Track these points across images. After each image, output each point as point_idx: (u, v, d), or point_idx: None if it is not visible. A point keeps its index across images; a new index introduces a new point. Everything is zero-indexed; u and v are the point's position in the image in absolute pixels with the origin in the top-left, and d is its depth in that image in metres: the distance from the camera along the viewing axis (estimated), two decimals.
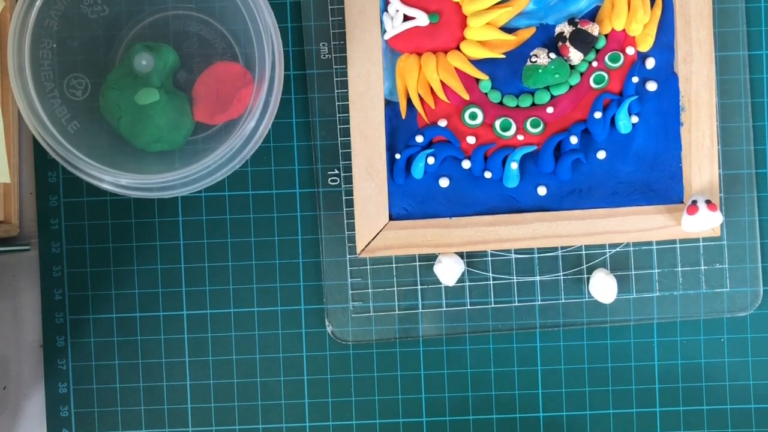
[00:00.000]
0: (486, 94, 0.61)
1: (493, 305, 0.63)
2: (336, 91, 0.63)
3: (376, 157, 0.61)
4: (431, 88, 0.61)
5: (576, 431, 0.64)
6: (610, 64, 0.61)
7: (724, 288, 0.63)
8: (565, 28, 0.60)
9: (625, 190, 0.61)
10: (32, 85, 0.54)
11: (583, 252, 0.63)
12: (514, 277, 0.63)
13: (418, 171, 0.61)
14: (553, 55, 0.60)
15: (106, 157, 0.56)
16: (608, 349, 0.64)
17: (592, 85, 0.61)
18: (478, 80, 0.61)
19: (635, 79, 0.61)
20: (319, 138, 0.63)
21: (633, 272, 0.63)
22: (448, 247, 0.61)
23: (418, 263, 0.63)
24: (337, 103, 0.63)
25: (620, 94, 0.61)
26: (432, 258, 0.63)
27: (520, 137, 0.61)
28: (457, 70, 0.61)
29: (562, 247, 0.63)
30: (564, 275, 0.63)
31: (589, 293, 0.63)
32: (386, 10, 0.61)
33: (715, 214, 0.59)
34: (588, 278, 0.63)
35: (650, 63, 0.61)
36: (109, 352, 0.64)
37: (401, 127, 0.62)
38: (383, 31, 0.61)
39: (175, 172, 0.54)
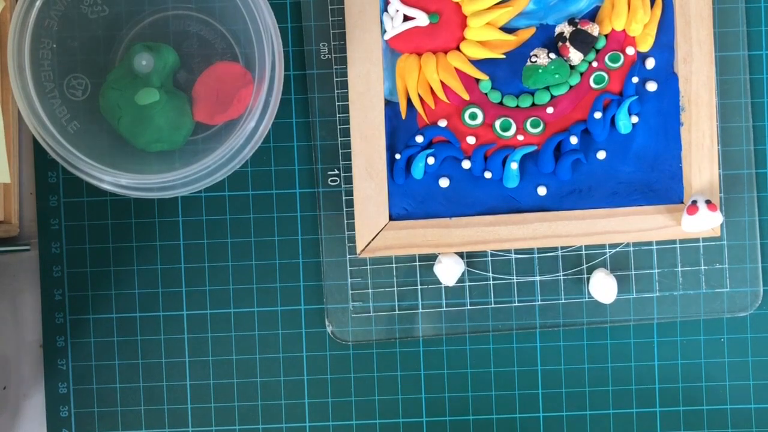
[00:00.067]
0: (486, 94, 0.61)
1: (493, 305, 0.63)
2: (336, 91, 0.63)
3: (376, 157, 0.61)
4: (431, 88, 0.61)
5: (576, 431, 0.64)
6: (610, 64, 0.61)
7: (724, 288, 0.63)
8: (565, 28, 0.60)
9: (625, 190, 0.61)
10: (32, 85, 0.54)
11: (583, 252, 0.63)
12: (514, 277, 0.63)
13: (418, 171, 0.61)
14: (553, 55, 0.60)
15: (106, 157, 0.56)
16: (608, 349, 0.64)
17: (592, 85, 0.61)
18: (478, 80, 0.61)
19: (635, 79, 0.61)
20: (319, 138, 0.63)
21: (633, 272, 0.63)
22: (448, 247, 0.61)
23: (418, 263, 0.63)
24: (337, 103, 0.63)
25: (620, 94, 0.61)
26: (432, 258, 0.63)
27: (520, 137, 0.61)
28: (457, 70, 0.61)
29: (562, 247, 0.63)
30: (564, 275, 0.63)
31: (589, 293, 0.63)
32: (386, 10, 0.61)
33: (715, 214, 0.59)
34: (588, 278, 0.63)
35: (650, 63, 0.61)
36: (109, 352, 0.64)
37: (401, 127, 0.62)
38: (383, 31, 0.61)
39: (175, 172, 0.54)
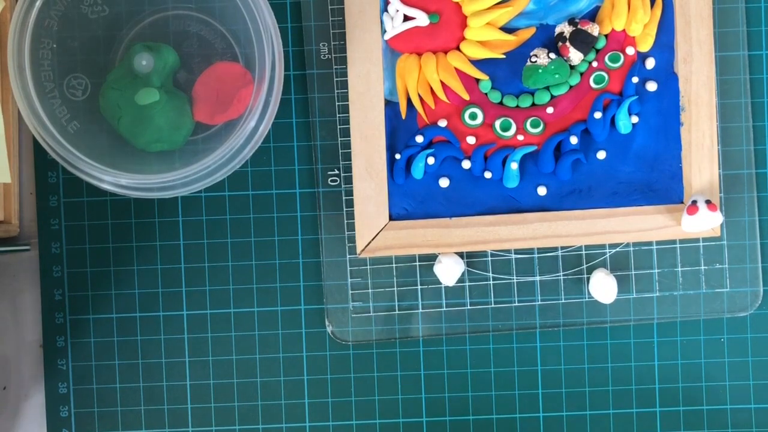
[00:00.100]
0: (486, 94, 0.61)
1: (493, 305, 0.63)
2: (336, 91, 0.63)
3: (376, 157, 0.61)
4: (431, 88, 0.61)
5: (576, 431, 0.64)
6: (610, 64, 0.61)
7: (724, 288, 0.63)
8: (565, 28, 0.60)
9: (625, 190, 0.61)
10: (32, 85, 0.54)
11: (583, 252, 0.63)
12: (514, 277, 0.63)
13: (418, 171, 0.61)
14: (553, 55, 0.60)
15: (106, 157, 0.56)
16: (608, 349, 0.64)
17: (592, 85, 0.61)
18: (478, 80, 0.61)
19: (635, 79, 0.61)
20: (319, 138, 0.63)
21: (633, 272, 0.63)
22: (448, 247, 0.61)
23: (418, 263, 0.63)
24: (337, 103, 0.63)
25: (620, 94, 0.61)
26: (432, 258, 0.63)
27: (520, 137, 0.61)
28: (457, 70, 0.61)
29: (562, 247, 0.63)
30: (564, 275, 0.63)
31: (589, 293, 0.63)
32: (386, 10, 0.61)
33: (715, 214, 0.59)
34: (588, 278, 0.63)
35: (650, 63, 0.61)
36: (109, 352, 0.64)
37: (401, 127, 0.62)
38: (383, 31, 0.61)
39: (175, 172, 0.54)
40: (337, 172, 0.63)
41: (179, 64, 0.60)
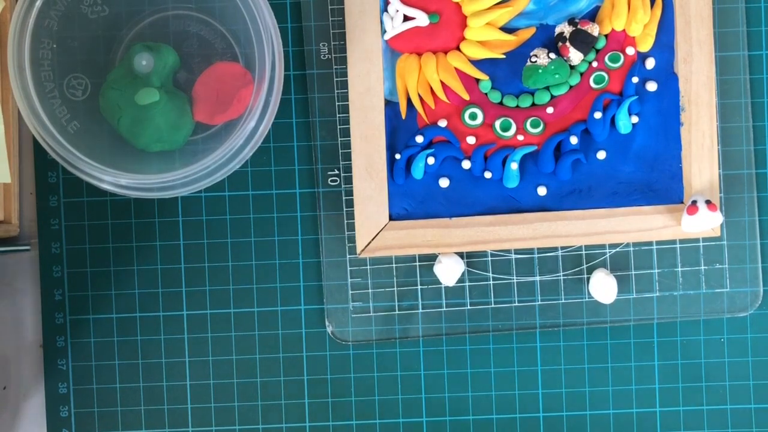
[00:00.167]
0: (486, 94, 0.61)
1: (493, 305, 0.63)
2: (336, 91, 0.63)
3: (376, 157, 0.61)
4: (431, 88, 0.61)
5: (576, 431, 0.64)
6: (610, 64, 0.61)
7: (724, 288, 0.63)
8: (565, 29, 0.60)
9: (625, 190, 0.61)
10: (32, 85, 0.54)
11: (583, 252, 0.63)
12: (514, 277, 0.63)
13: (418, 171, 0.61)
14: (553, 55, 0.60)
15: (106, 157, 0.56)
16: (608, 349, 0.64)
17: (592, 85, 0.61)
18: (478, 80, 0.61)
19: (635, 79, 0.61)
20: (319, 138, 0.63)
21: (633, 272, 0.63)
22: (448, 247, 0.61)
23: (418, 263, 0.63)
24: (337, 103, 0.63)
25: (620, 94, 0.61)
26: (432, 258, 0.63)
27: (520, 137, 0.61)
28: (457, 70, 0.61)
29: (562, 247, 0.63)
30: (564, 275, 0.63)
31: (589, 293, 0.63)
32: (386, 10, 0.61)
33: (715, 214, 0.59)
34: (588, 278, 0.63)
35: (650, 63, 0.61)
36: (109, 352, 0.64)
37: (401, 127, 0.62)
38: (383, 31, 0.61)
39: (175, 172, 0.54)
40: (337, 172, 0.63)
41: (179, 64, 0.60)
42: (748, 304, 0.63)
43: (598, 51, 0.61)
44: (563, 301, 0.63)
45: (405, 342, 0.64)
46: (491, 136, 0.61)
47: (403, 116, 0.62)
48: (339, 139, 0.63)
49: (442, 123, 0.61)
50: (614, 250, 0.63)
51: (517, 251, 0.63)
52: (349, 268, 0.63)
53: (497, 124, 0.61)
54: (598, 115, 0.61)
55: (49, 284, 0.64)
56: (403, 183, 0.62)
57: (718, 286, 0.63)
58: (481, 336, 0.64)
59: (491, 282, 0.63)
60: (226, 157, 0.55)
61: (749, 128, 0.63)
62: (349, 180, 0.63)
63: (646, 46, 0.61)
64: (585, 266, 0.63)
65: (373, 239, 0.61)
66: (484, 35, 0.61)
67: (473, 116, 0.61)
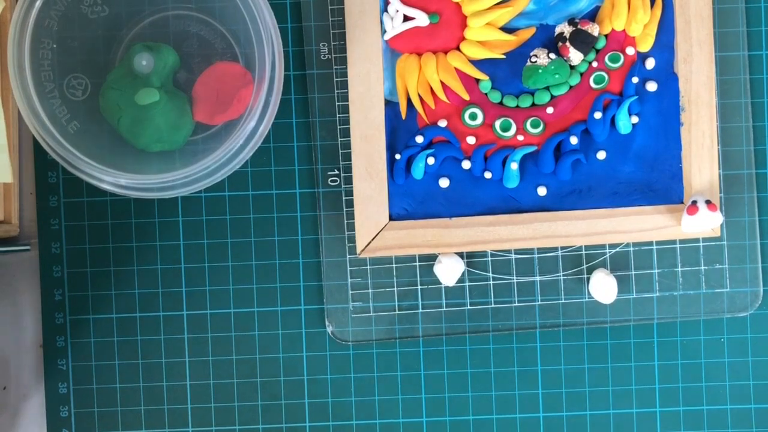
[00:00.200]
0: (486, 94, 0.61)
1: (493, 305, 0.63)
2: (336, 91, 0.63)
3: (376, 157, 0.61)
4: (431, 89, 0.61)
5: (576, 431, 0.64)
6: (610, 64, 0.61)
7: (724, 288, 0.63)
8: (565, 29, 0.60)
9: (625, 191, 0.61)
10: (32, 85, 0.54)
11: (583, 252, 0.63)
12: (514, 277, 0.63)
13: (418, 171, 0.61)
14: (553, 56, 0.60)
15: (106, 157, 0.56)
16: (608, 349, 0.64)
17: (592, 85, 0.61)
18: (478, 80, 0.61)
19: (635, 80, 0.61)
20: (319, 138, 0.63)
21: (633, 272, 0.63)
22: (448, 247, 0.61)
23: (418, 263, 0.63)
24: (337, 103, 0.63)
25: (620, 95, 0.61)
26: (432, 258, 0.63)
27: (520, 137, 0.61)
28: (457, 70, 0.61)
29: (562, 247, 0.63)
30: (564, 275, 0.63)
31: (589, 293, 0.63)
32: (386, 10, 0.61)
33: (715, 214, 0.59)
34: (588, 278, 0.63)
35: (650, 63, 0.61)
36: (109, 352, 0.64)
37: (401, 127, 0.62)
38: (383, 31, 0.61)
39: (175, 172, 0.54)
40: (337, 172, 0.63)
41: (179, 64, 0.60)
42: (748, 304, 0.63)
43: (598, 51, 0.61)
44: (563, 301, 0.63)
45: (405, 342, 0.64)
46: (491, 136, 0.61)
47: (403, 116, 0.62)
48: (339, 139, 0.63)
49: (442, 123, 0.61)
50: (614, 250, 0.63)
51: (517, 251, 0.63)
52: (349, 268, 0.63)
53: (497, 124, 0.61)
54: (598, 115, 0.61)
55: (49, 284, 0.64)
56: (403, 183, 0.62)
57: (718, 286, 0.63)
58: (481, 336, 0.64)
59: (491, 282, 0.63)
60: (226, 157, 0.55)
61: (749, 128, 0.63)
62: (349, 180, 0.63)
63: (646, 46, 0.61)
64: (585, 266, 0.63)
65: (373, 239, 0.61)
66: (484, 35, 0.61)
67: (473, 116, 0.61)
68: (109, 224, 0.64)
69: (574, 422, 0.64)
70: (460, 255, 0.63)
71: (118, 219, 0.63)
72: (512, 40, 0.61)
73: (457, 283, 0.63)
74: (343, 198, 0.63)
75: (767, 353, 0.64)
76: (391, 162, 0.62)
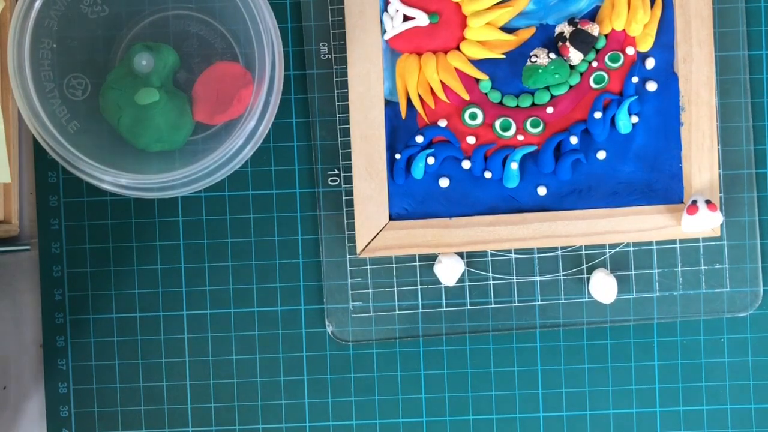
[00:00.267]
0: (486, 94, 0.61)
1: (493, 305, 0.63)
2: (336, 91, 0.63)
3: (376, 157, 0.61)
4: (431, 88, 0.61)
5: (576, 431, 0.64)
6: (610, 64, 0.61)
7: (724, 288, 0.63)
8: (565, 28, 0.60)
9: (625, 190, 0.61)
10: (32, 85, 0.54)
11: (583, 252, 0.63)
12: (514, 277, 0.63)
13: (418, 171, 0.61)
14: (553, 55, 0.60)
15: (106, 157, 0.56)
16: (608, 349, 0.64)
17: (592, 85, 0.61)
18: (478, 80, 0.61)
19: (635, 79, 0.61)
20: (319, 138, 0.63)
21: (633, 272, 0.63)
22: (448, 247, 0.61)
23: (418, 263, 0.63)
24: (337, 103, 0.63)
25: (620, 94, 0.61)
26: (432, 258, 0.63)
27: (520, 137, 0.61)
28: (457, 70, 0.61)
29: (562, 247, 0.63)
30: (564, 275, 0.63)
31: (589, 293, 0.63)
32: (386, 10, 0.61)
33: (715, 214, 0.59)
34: (588, 278, 0.63)
35: (650, 63, 0.61)
36: (109, 352, 0.64)
37: (401, 127, 0.62)
38: (383, 31, 0.61)
39: (175, 172, 0.54)
40: (337, 172, 0.63)
41: (179, 64, 0.60)
42: (748, 304, 0.63)
43: (598, 51, 0.61)
44: (563, 301, 0.63)
45: (405, 342, 0.64)
46: (491, 136, 0.61)
47: (403, 116, 0.62)
48: (339, 139, 0.63)
49: (442, 123, 0.61)
50: (614, 250, 0.63)
51: (517, 251, 0.63)
52: (349, 268, 0.63)
53: (497, 124, 0.61)
54: (598, 115, 0.61)
55: (49, 284, 0.64)
56: (403, 183, 0.62)
57: (718, 286, 0.63)
58: (481, 336, 0.64)
59: (491, 282, 0.63)
60: (226, 157, 0.55)
61: (749, 128, 0.63)
62: (349, 180, 0.63)
63: (646, 46, 0.61)
64: (585, 266, 0.63)
65: (373, 239, 0.61)
66: (484, 35, 0.61)
67: (473, 116, 0.61)
68: (109, 224, 0.64)
69: (574, 422, 0.64)
70: (460, 255, 0.63)
71: (118, 219, 0.63)
72: (512, 40, 0.61)
73: (457, 283, 0.63)
74: (343, 198, 0.63)
75: (767, 353, 0.64)
76: (391, 162, 0.62)
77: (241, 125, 0.55)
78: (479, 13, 0.60)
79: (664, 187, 0.61)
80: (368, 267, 0.63)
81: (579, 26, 0.60)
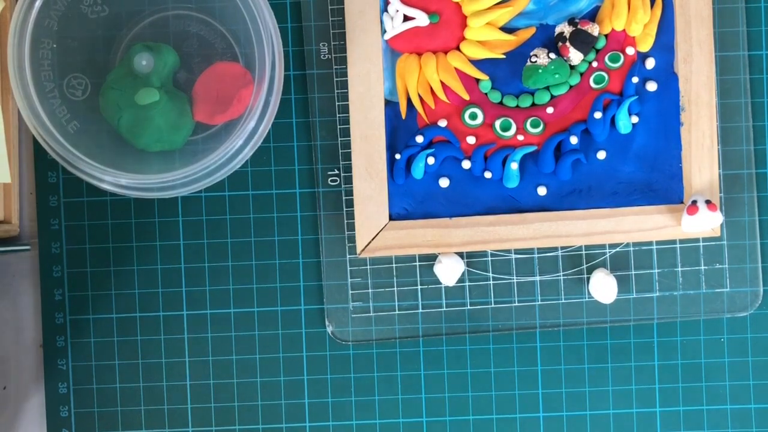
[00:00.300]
0: (486, 94, 0.61)
1: (493, 305, 0.63)
2: (336, 91, 0.63)
3: (376, 157, 0.61)
4: (431, 88, 0.61)
5: (576, 431, 0.64)
6: (610, 64, 0.61)
7: (724, 288, 0.63)
8: (565, 28, 0.60)
9: (625, 190, 0.61)
10: (32, 85, 0.54)
11: (583, 252, 0.63)
12: (514, 277, 0.63)
13: (418, 171, 0.61)
14: (553, 55, 0.60)
15: (106, 157, 0.56)
16: (608, 349, 0.64)
17: (592, 85, 0.61)
18: (478, 80, 0.61)
19: (635, 79, 0.61)
20: (319, 138, 0.63)
21: (633, 272, 0.63)
22: (448, 247, 0.61)
23: (418, 263, 0.63)
24: (337, 103, 0.63)
25: (620, 94, 0.61)
26: (432, 258, 0.63)
27: (520, 137, 0.61)
28: (457, 70, 0.61)
29: (562, 247, 0.63)
30: (564, 275, 0.63)
31: (589, 293, 0.63)
32: (386, 10, 0.61)
33: (715, 214, 0.59)
34: (588, 278, 0.63)
35: (650, 63, 0.61)
36: (109, 352, 0.64)
37: (401, 127, 0.62)
38: (383, 31, 0.61)
39: (175, 172, 0.54)
40: (337, 172, 0.63)
41: (179, 64, 0.60)
42: (748, 304, 0.63)
43: (598, 51, 0.61)
44: (563, 301, 0.63)
45: (405, 342, 0.64)
46: (491, 136, 0.61)
47: (403, 116, 0.62)
48: (339, 139, 0.63)
49: (442, 123, 0.61)
50: (614, 250, 0.63)
51: (517, 251, 0.63)
52: (349, 268, 0.63)
53: (497, 124, 0.61)
54: (598, 115, 0.61)
55: (49, 284, 0.64)
56: (403, 183, 0.62)
57: (718, 286, 0.63)
58: (481, 336, 0.64)
59: (491, 282, 0.63)
60: (226, 157, 0.55)
61: (749, 128, 0.63)
62: (349, 180, 0.63)
63: (646, 46, 0.61)
64: (585, 266, 0.63)
65: (373, 239, 0.61)
66: (484, 35, 0.61)
67: (473, 116, 0.61)
68: (109, 224, 0.64)
69: (574, 422, 0.64)
70: (460, 255, 0.63)
71: (118, 219, 0.63)
72: (512, 40, 0.61)
73: (457, 283, 0.63)
74: (343, 198, 0.63)
75: (767, 353, 0.64)
76: (391, 162, 0.62)
77: (241, 125, 0.55)
78: (479, 13, 0.60)
79: (664, 187, 0.61)
80: (368, 267, 0.63)
81: (579, 26, 0.60)
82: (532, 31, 0.61)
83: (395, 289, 0.63)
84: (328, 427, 0.64)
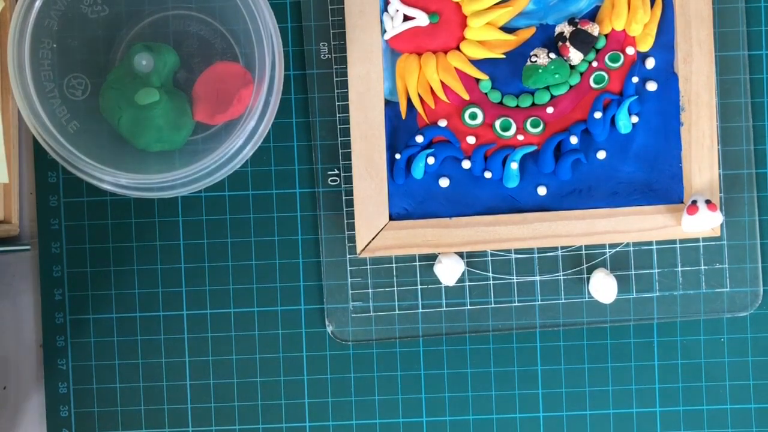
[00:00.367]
0: (486, 94, 0.61)
1: (493, 305, 0.63)
2: (336, 91, 0.63)
3: (376, 157, 0.61)
4: (431, 88, 0.61)
5: (576, 431, 0.64)
6: (610, 64, 0.61)
7: (724, 288, 0.63)
8: (565, 28, 0.60)
9: (625, 190, 0.61)
10: (32, 85, 0.54)
11: (583, 252, 0.63)
12: (514, 277, 0.63)
13: (418, 171, 0.61)
14: (553, 55, 0.60)
15: (106, 157, 0.56)
16: (608, 349, 0.64)
17: (592, 85, 0.61)
18: (478, 80, 0.61)
19: (635, 79, 0.61)
20: (319, 138, 0.63)
21: (633, 272, 0.63)
22: (448, 247, 0.61)
23: (418, 263, 0.63)
24: (337, 103, 0.63)
25: (620, 94, 0.61)
26: (432, 258, 0.63)
27: (520, 137, 0.61)
28: (457, 70, 0.61)
29: (562, 247, 0.63)
30: (564, 275, 0.63)
31: (589, 293, 0.63)
32: (386, 10, 0.61)
33: (715, 214, 0.59)
34: (588, 278, 0.63)
35: (650, 63, 0.61)
36: (109, 352, 0.64)
37: (401, 127, 0.62)
38: (383, 31, 0.61)
39: (175, 172, 0.54)
40: (337, 172, 0.63)
41: (179, 64, 0.60)
42: (748, 304, 0.63)
43: (598, 51, 0.61)
44: (563, 301, 0.63)
45: (405, 342, 0.64)
46: (491, 136, 0.61)
47: (403, 116, 0.62)
48: (339, 139, 0.63)
49: (442, 123, 0.61)
50: (614, 250, 0.63)
51: (517, 251, 0.63)
52: (349, 268, 0.63)
53: (497, 123, 0.61)
54: (598, 114, 0.61)
55: (49, 284, 0.64)
56: (403, 183, 0.62)
57: (718, 286, 0.63)
58: (481, 336, 0.64)
59: (491, 282, 0.63)
60: (226, 157, 0.55)
61: (749, 128, 0.63)
62: (349, 180, 0.63)
63: (646, 46, 0.61)
64: (585, 266, 0.63)
65: (373, 239, 0.61)
66: (484, 35, 0.61)
67: (473, 116, 0.61)
68: (109, 224, 0.64)
69: (574, 422, 0.64)
70: (460, 255, 0.63)
71: (118, 219, 0.63)
72: (512, 40, 0.61)
73: (457, 283, 0.63)
74: (343, 198, 0.63)
75: (767, 353, 0.64)
76: (391, 162, 0.62)
77: (241, 125, 0.55)
78: (479, 13, 0.60)
79: (664, 187, 0.61)
80: (368, 267, 0.63)
81: (579, 26, 0.60)
82: (532, 31, 0.61)
83: (395, 289, 0.63)
84: (328, 427, 0.64)
